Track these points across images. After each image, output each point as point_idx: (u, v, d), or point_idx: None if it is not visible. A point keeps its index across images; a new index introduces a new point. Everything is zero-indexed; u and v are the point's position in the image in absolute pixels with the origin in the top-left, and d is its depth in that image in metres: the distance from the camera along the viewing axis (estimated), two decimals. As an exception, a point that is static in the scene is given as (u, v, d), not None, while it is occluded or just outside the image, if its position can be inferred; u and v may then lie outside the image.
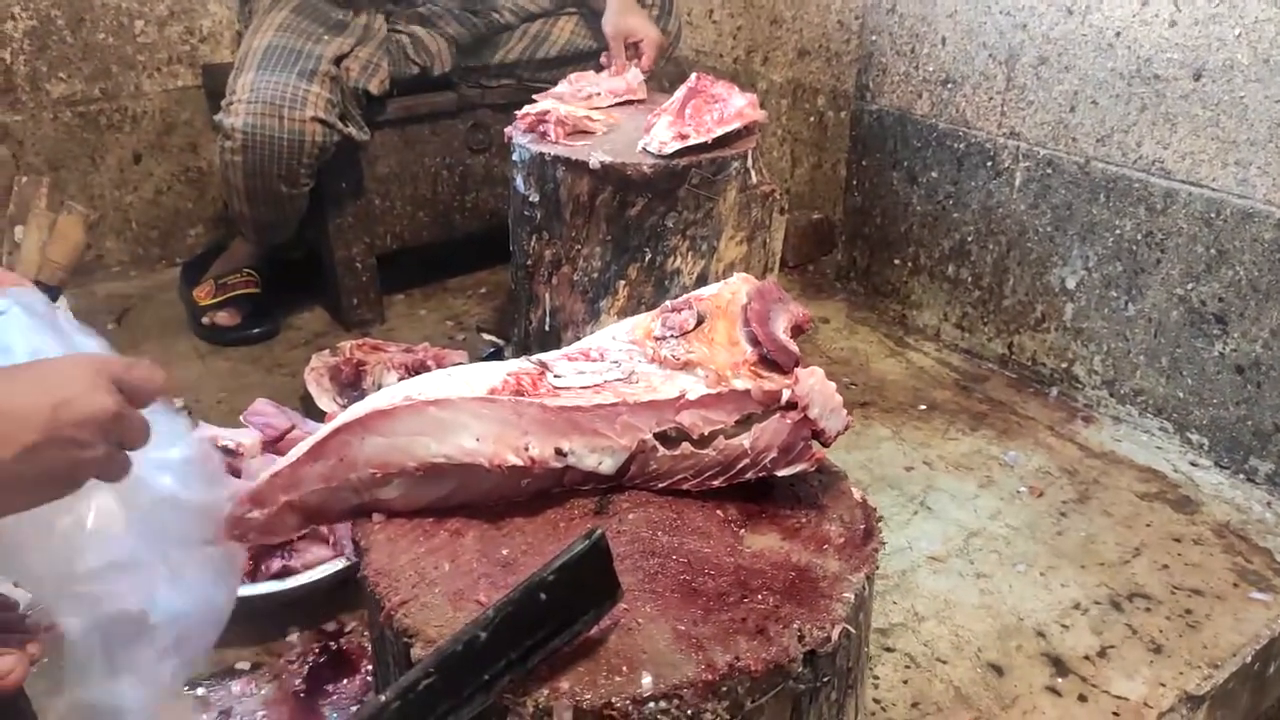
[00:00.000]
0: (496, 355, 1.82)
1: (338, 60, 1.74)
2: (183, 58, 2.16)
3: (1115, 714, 1.11)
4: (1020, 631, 1.23)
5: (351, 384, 1.68)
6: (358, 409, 0.83)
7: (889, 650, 1.20)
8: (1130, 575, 1.32)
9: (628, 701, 0.65)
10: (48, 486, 0.66)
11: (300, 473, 0.82)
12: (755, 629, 0.71)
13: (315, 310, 2.07)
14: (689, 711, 0.66)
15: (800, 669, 0.70)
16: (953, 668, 1.17)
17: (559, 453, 0.82)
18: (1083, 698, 1.13)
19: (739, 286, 0.93)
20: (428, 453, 0.81)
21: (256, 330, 1.94)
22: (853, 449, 1.58)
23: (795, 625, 0.72)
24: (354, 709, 1.09)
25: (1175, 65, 1.48)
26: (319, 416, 1.60)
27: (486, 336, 1.95)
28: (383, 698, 0.59)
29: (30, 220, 1.51)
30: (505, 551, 0.80)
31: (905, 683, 1.15)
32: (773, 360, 0.86)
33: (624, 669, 0.68)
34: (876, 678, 1.15)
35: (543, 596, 0.65)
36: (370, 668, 1.16)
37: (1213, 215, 1.48)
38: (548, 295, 1.58)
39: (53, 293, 1.52)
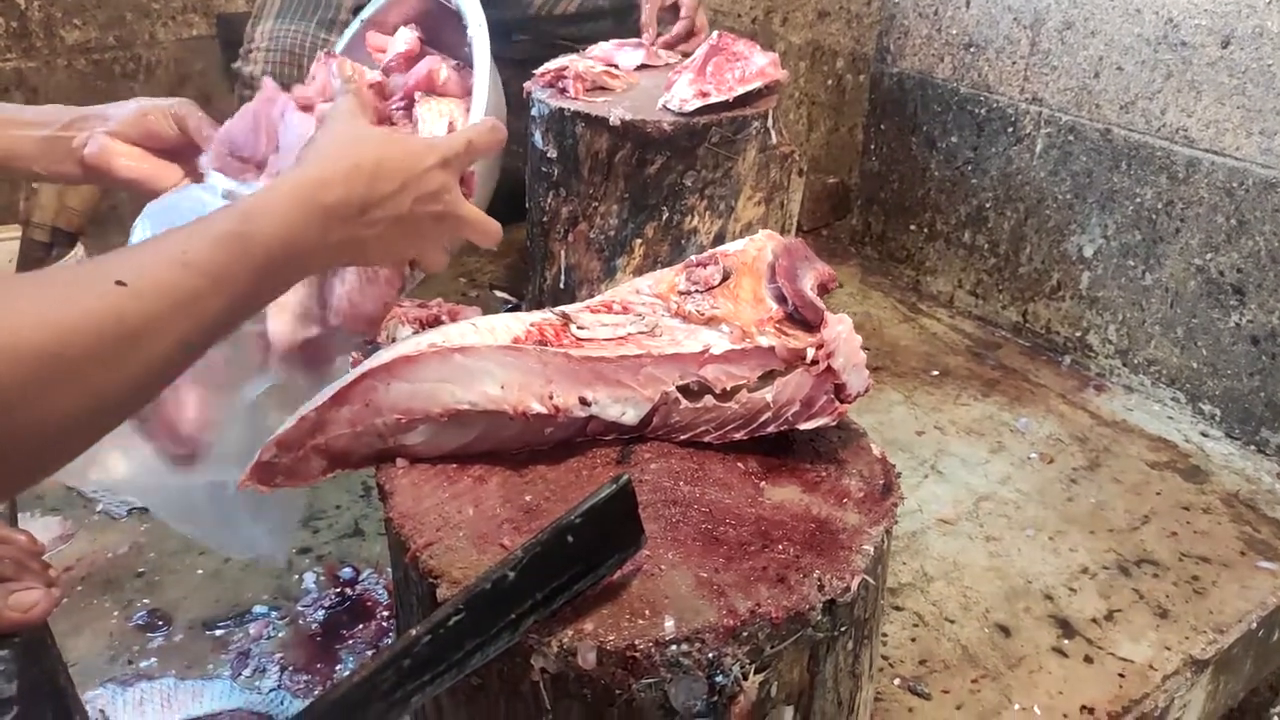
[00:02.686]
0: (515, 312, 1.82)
1: (356, 10, 1.72)
2: (197, 7, 2.14)
3: (1121, 675, 1.12)
4: (1028, 594, 1.24)
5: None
6: (384, 355, 0.83)
7: (898, 609, 1.21)
8: (1139, 542, 1.33)
9: (650, 644, 0.67)
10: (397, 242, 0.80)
11: (326, 417, 0.83)
12: (776, 578, 0.72)
13: (329, 264, 2.07)
14: (710, 655, 0.67)
15: (819, 617, 0.71)
16: (960, 627, 1.19)
17: (583, 402, 0.83)
18: (1089, 659, 1.15)
19: (764, 243, 0.93)
20: (452, 399, 0.82)
21: (270, 283, 1.94)
22: (864, 412, 1.59)
23: (815, 575, 0.73)
24: (382, 645, 1.11)
25: (1203, 32, 1.46)
26: (334, 368, 1.61)
27: (500, 294, 1.95)
28: (413, 632, 0.60)
29: (48, 166, 1.51)
30: (529, 498, 0.81)
31: (913, 641, 1.17)
32: (798, 318, 0.86)
33: (647, 613, 0.69)
34: (885, 635, 1.17)
35: (569, 539, 0.66)
36: (386, 614, 1.17)
37: (1235, 185, 1.47)
38: (563, 253, 1.58)
39: (70, 239, 1.52)
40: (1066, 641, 1.17)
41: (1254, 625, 1.21)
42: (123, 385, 0.58)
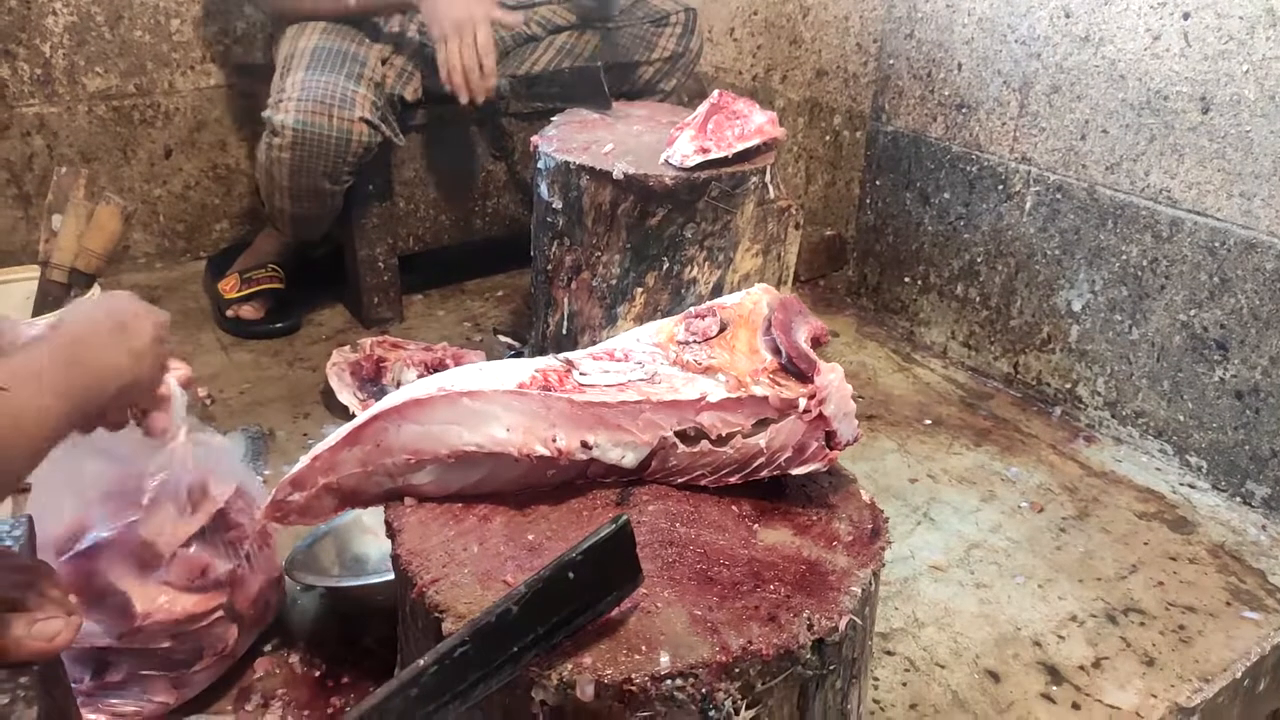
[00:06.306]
0: (518, 357, 1.86)
1: (379, 64, 1.80)
2: (216, 57, 2.21)
3: (1107, 722, 1.14)
4: (1017, 640, 1.27)
5: (371, 379, 1.73)
6: (394, 398, 0.87)
7: (889, 654, 1.23)
8: (1126, 590, 1.36)
9: (646, 678, 0.69)
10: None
11: (338, 457, 0.87)
12: (767, 616, 0.75)
13: (336, 307, 2.11)
14: (703, 690, 0.70)
15: (808, 655, 0.74)
16: (951, 673, 1.21)
17: (584, 445, 0.87)
18: (1076, 706, 1.17)
19: (760, 297, 0.97)
20: (460, 441, 0.86)
21: (279, 324, 1.99)
22: (858, 460, 1.62)
23: (805, 614, 0.76)
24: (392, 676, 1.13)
25: (1184, 98, 1.53)
26: (340, 410, 1.65)
27: (503, 338, 1.99)
28: (421, 662, 0.63)
29: (68, 210, 1.56)
30: (531, 536, 0.84)
31: (904, 685, 1.19)
32: (792, 369, 0.90)
33: (643, 648, 0.72)
34: (876, 679, 1.19)
35: (570, 576, 0.69)
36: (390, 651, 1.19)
37: (1217, 244, 1.52)
38: (566, 300, 1.63)
39: (88, 281, 1.57)
40: (1055, 688, 1.19)
41: (1239, 675, 1.23)
42: None
